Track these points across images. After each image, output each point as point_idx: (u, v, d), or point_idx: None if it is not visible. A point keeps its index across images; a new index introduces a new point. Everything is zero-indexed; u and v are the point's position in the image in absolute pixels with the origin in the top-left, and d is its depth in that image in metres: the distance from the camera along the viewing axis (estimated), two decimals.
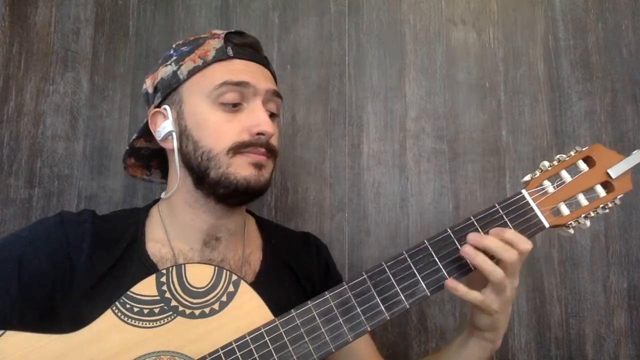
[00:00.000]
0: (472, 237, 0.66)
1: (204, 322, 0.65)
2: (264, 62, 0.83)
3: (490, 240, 0.66)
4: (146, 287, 0.66)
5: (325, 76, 1.19)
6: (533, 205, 0.70)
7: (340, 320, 0.65)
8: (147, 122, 0.82)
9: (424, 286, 0.66)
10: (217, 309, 0.66)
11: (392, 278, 0.66)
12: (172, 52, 0.82)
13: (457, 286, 0.66)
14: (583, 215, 0.70)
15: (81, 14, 1.22)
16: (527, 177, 0.72)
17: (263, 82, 0.79)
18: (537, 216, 0.69)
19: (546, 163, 0.72)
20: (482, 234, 0.67)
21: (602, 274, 1.09)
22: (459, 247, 0.68)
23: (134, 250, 0.76)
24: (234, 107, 0.77)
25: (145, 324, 0.65)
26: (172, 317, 0.65)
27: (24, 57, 1.20)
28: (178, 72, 0.78)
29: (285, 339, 0.63)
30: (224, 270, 0.68)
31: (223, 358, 0.62)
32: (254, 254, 0.84)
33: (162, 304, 0.65)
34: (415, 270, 0.67)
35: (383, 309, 0.65)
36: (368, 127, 1.17)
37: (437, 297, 1.08)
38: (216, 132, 0.75)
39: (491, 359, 0.76)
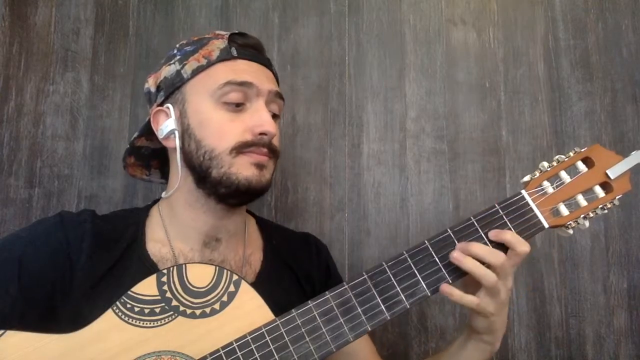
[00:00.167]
0: (459, 245, 0.67)
1: (204, 321, 0.65)
2: (267, 64, 0.84)
3: (476, 247, 0.66)
4: (147, 287, 0.66)
5: (325, 76, 1.19)
6: (532, 205, 0.70)
7: (341, 320, 0.65)
8: (148, 121, 0.82)
9: (424, 286, 0.67)
10: (218, 308, 0.66)
11: (392, 278, 0.66)
12: (175, 51, 0.82)
13: (452, 291, 0.66)
14: (582, 216, 0.70)
15: (81, 14, 1.22)
16: (527, 178, 0.72)
17: (266, 83, 0.79)
18: (537, 216, 0.70)
19: (545, 164, 0.72)
20: (467, 242, 0.68)
21: (602, 274, 1.09)
22: None
23: (134, 250, 0.76)
24: (237, 107, 0.77)
25: (146, 323, 0.65)
26: (173, 316, 0.65)
27: (24, 57, 1.20)
28: (182, 71, 0.79)
29: (286, 338, 0.63)
30: (225, 270, 0.68)
31: (224, 358, 0.62)
32: (254, 254, 0.85)
33: (163, 304, 0.65)
34: (415, 270, 0.67)
35: (383, 308, 0.65)
36: (368, 127, 1.17)
37: (437, 297, 1.08)
38: (219, 131, 0.76)
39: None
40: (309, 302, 0.66)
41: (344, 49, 1.20)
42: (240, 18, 1.21)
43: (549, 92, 1.15)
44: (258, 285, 0.74)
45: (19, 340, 0.62)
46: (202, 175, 0.76)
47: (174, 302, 0.66)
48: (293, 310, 0.65)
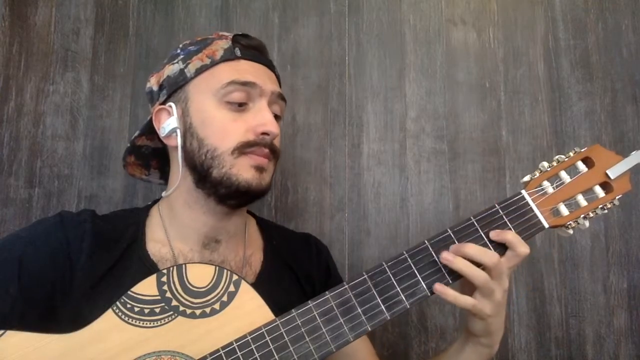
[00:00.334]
0: (453, 247, 0.67)
1: (204, 321, 0.65)
2: (270, 65, 0.84)
3: (469, 247, 0.66)
4: (147, 287, 0.66)
5: (325, 76, 1.19)
6: (532, 205, 0.70)
7: (341, 320, 0.65)
8: (150, 120, 0.82)
9: (424, 286, 0.67)
10: (218, 308, 0.66)
11: (392, 278, 0.66)
12: (179, 51, 0.82)
13: (445, 290, 0.66)
14: (582, 216, 0.70)
15: (81, 14, 1.22)
16: (527, 178, 0.72)
17: (269, 83, 0.79)
18: (537, 216, 0.70)
19: (545, 164, 0.72)
20: (461, 243, 0.68)
21: (602, 274, 1.09)
22: None
23: (134, 250, 0.76)
24: (240, 106, 0.77)
25: (146, 323, 0.64)
26: (173, 316, 0.65)
27: (24, 57, 1.20)
28: (185, 70, 0.79)
29: (286, 338, 0.63)
30: (225, 270, 0.68)
31: (224, 358, 0.62)
32: (254, 254, 0.85)
33: (163, 304, 0.65)
34: (415, 270, 0.67)
35: (383, 308, 0.65)
36: (368, 127, 1.17)
37: (437, 297, 1.07)
38: (222, 130, 0.76)
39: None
40: (309, 302, 0.65)
41: (344, 49, 1.20)
42: (240, 18, 1.21)
43: (549, 92, 1.15)
44: (258, 285, 0.74)
45: (18, 340, 0.62)
46: (202, 174, 0.76)
47: (174, 302, 0.66)
48: (293, 310, 0.65)
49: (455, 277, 0.67)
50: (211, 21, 1.21)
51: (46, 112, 1.18)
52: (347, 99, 1.18)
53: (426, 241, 0.68)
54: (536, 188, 0.71)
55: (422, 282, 0.67)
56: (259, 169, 0.76)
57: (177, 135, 0.78)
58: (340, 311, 0.65)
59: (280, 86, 0.85)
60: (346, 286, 0.66)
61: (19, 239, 0.73)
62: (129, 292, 0.65)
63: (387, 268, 0.67)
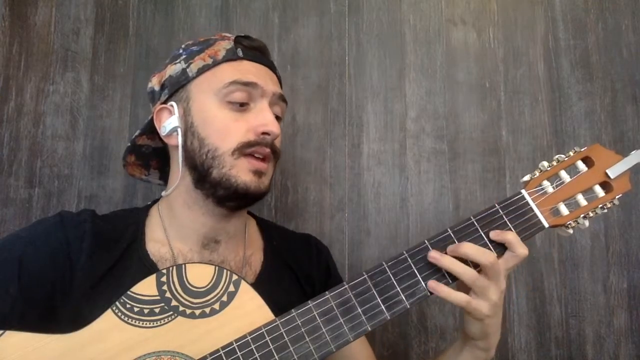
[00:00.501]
0: (449, 248, 0.67)
1: (204, 322, 0.65)
2: (272, 66, 0.84)
3: (465, 247, 0.66)
4: (146, 287, 0.66)
5: (325, 76, 1.19)
6: (532, 205, 0.70)
7: (341, 320, 0.64)
8: (151, 119, 0.83)
9: (424, 286, 0.67)
10: (218, 308, 0.66)
11: (392, 278, 0.66)
12: (181, 51, 0.82)
13: (438, 287, 0.66)
14: (582, 215, 0.70)
15: (81, 14, 1.22)
16: (527, 177, 0.72)
17: (270, 84, 0.80)
18: (537, 216, 0.70)
19: (545, 163, 0.72)
20: (457, 244, 0.68)
21: (602, 274, 1.09)
22: None
23: (134, 250, 0.76)
24: (242, 106, 0.77)
25: (146, 323, 0.64)
26: (173, 317, 0.65)
27: (24, 57, 1.20)
28: (187, 70, 0.79)
29: (286, 338, 0.63)
30: (225, 270, 0.68)
31: (224, 358, 0.62)
32: (254, 255, 0.84)
33: (163, 304, 0.65)
34: (415, 270, 0.67)
35: (383, 308, 0.65)
36: (368, 127, 1.17)
37: (437, 297, 1.07)
38: (223, 130, 0.76)
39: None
40: (309, 302, 0.65)
41: (344, 49, 1.20)
42: (240, 18, 1.21)
43: (549, 92, 1.15)
44: (258, 285, 0.74)
45: (18, 341, 0.62)
46: (202, 174, 0.76)
47: (174, 302, 0.65)
48: (293, 310, 0.65)
49: (455, 277, 0.67)
50: (211, 21, 1.22)
51: (46, 112, 1.18)
52: (347, 99, 1.18)
53: (426, 241, 0.68)
54: (536, 188, 0.71)
55: (422, 282, 0.67)
56: (258, 173, 0.76)
57: (177, 134, 0.78)
58: (340, 311, 0.65)
59: (281, 87, 0.86)
60: (346, 286, 0.66)
61: (19, 239, 0.73)
62: (128, 292, 0.65)
63: (387, 268, 0.67)
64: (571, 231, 0.71)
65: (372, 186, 1.15)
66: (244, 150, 0.75)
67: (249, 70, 0.79)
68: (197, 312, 0.66)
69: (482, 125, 1.15)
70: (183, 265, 0.68)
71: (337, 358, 0.68)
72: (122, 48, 1.21)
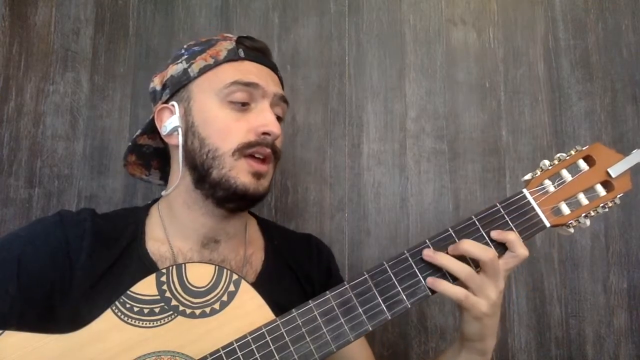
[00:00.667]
0: (450, 247, 0.67)
1: (204, 321, 0.65)
2: (273, 67, 0.85)
3: (465, 243, 0.66)
4: (146, 287, 0.66)
5: (325, 76, 1.19)
6: (534, 204, 0.70)
7: (342, 320, 0.64)
8: (152, 119, 0.83)
9: (425, 286, 0.66)
10: (218, 308, 0.66)
11: (393, 278, 0.66)
12: (183, 51, 0.82)
13: (436, 282, 0.66)
14: (583, 215, 0.70)
15: (81, 14, 1.22)
16: (528, 176, 0.72)
17: (272, 85, 0.80)
18: (538, 215, 0.69)
19: (547, 162, 0.72)
20: (458, 242, 0.68)
21: (602, 274, 1.09)
22: None
23: (134, 248, 0.76)
24: (243, 106, 0.77)
25: (146, 323, 0.64)
26: (173, 316, 0.65)
27: (24, 57, 1.20)
28: (189, 70, 0.79)
29: (287, 338, 0.63)
30: (225, 270, 0.68)
31: (224, 358, 0.62)
32: (255, 254, 0.84)
33: (163, 304, 0.65)
34: (416, 270, 0.67)
35: (384, 308, 0.65)
36: (368, 127, 1.17)
37: (437, 297, 1.08)
38: (224, 130, 0.76)
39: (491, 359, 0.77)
40: (310, 301, 0.65)
41: (344, 49, 1.20)
42: (240, 18, 1.21)
43: (549, 92, 1.15)
44: (259, 284, 0.74)
45: (18, 341, 0.62)
46: (202, 174, 0.76)
47: (174, 302, 0.65)
48: (293, 310, 0.65)
49: (456, 277, 0.67)
50: (211, 21, 1.21)
51: (46, 112, 1.18)
52: (347, 99, 1.18)
53: (427, 240, 0.68)
54: (537, 187, 0.71)
55: (423, 282, 0.67)
56: (257, 175, 0.76)
57: (178, 133, 0.78)
58: (341, 311, 0.65)
59: (283, 89, 0.86)
60: (347, 286, 0.66)
61: (18, 238, 0.73)
62: (128, 292, 0.65)
63: (388, 268, 0.67)
64: (572, 230, 0.71)
65: (372, 186, 1.15)
66: (245, 151, 0.75)
67: (250, 70, 0.79)
68: (197, 311, 0.65)
69: (482, 125, 1.15)
70: (183, 265, 0.67)
71: (336, 358, 0.68)
72: (122, 48, 1.21)
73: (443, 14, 1.20)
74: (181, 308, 0.65)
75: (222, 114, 0.77)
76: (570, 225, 0.70)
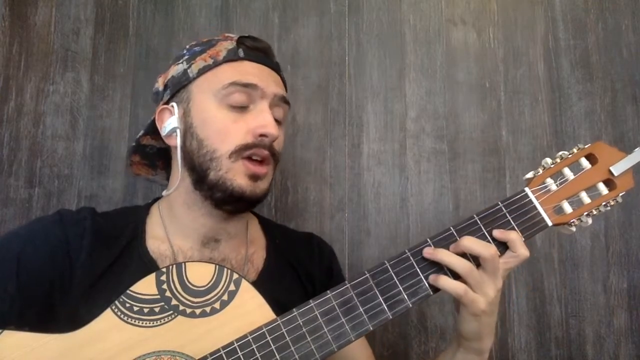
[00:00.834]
0: (451, 247, 0.67)
1: (204, 321, 0.65)
2: (275, 68, 0.83)
3: (465, 240, 0.66)
4: (146, 286, 0.65)
5: (325, 76, 1.19)
6: (536, 203, 0.69)
7: (343, 319, 0.64)
8: (154, 119, 0.83)
9: (427, 285, 0.66)
10: (218, 308, 0.66)
11: (394, 277, 0.66)
12: (184, 52, 0.82)
13: (436, 278, 0.66)
14: (585, 213, 0.70)
15: (81, 14, 1.22)
16: (530, 175, 0.72)
17: (272, 86, 0.79)
18: (540, 214, 0.69)
19: (549, 160, 0.71)
20: (459, 239, 0.67)
21: (602, 274, 1.09)
22: None
23: (134, 247, 0.76)
24: (241, 108, 0.77)
25: (146, 323, 0.64)
26: (173, 316, 0.65)
27: (24, 57, 1.19)
28: (188, 70, 0.79)
29: (287, 338, 0.63)
30: (225, 269, 0.67)
31: (225, 358, 0.62)
32: (257, 252, 0.84)
33: (163, 303, 0.65)
34: (418, 269, 0.67)
35: (385, 308, 0.65)
36: (368, 127, 1.17)
37: (437, 297, 1.08)
38: (222, 131, 0.75)
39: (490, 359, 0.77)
40: (311, 301, 0.65)
41: (344, 49, 1.19)
42: (240, 18, 1.21)
43: (549, 92, 1.16)
44: (260, 282, 0.74)
45: (17, 340, 0.62)
46: (200, 175, 0.76)
47: (174, 302, 0.65)
48: (294, 309, 0.65)
49: (457, 276, 0.67)
50: (211, 21, 1.21)
51: (46, 112, 1.18)
52: (347, 99, 1.18)
53: (428, 239, 0.68)
54: (539, 185, 0.70)
55: (425, 281, 0.66)
56: (254, 178, 0.75)
57: (177, 135, 0.78)
58: (342, 311, 0.65)
59: (286, 90, 0.85)
60: (348, 285, 0.66)
61: (18, 237, 0.72)
62: (128, 292, 0.65)
63: (389, 267, 0.67)
64: (574, 229, 0.70)
65: (372, 186, 1.15)
66: (242, 152, 0.75)
67: (249, 71, 0.78)
68: (198, 311, 0.65)
69: (482, 125, 1.15)
70: (183, 264, 0.67)
71: (337, 358, 0.68)
72: (122, 48, 1.21)
73: (443, 14, 1.20)
74: (181, 307, 0.65)
75: (220, 115, 0.76)
76: (572, 224, 0.70)
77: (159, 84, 0.84)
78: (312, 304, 0.65)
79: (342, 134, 1.16)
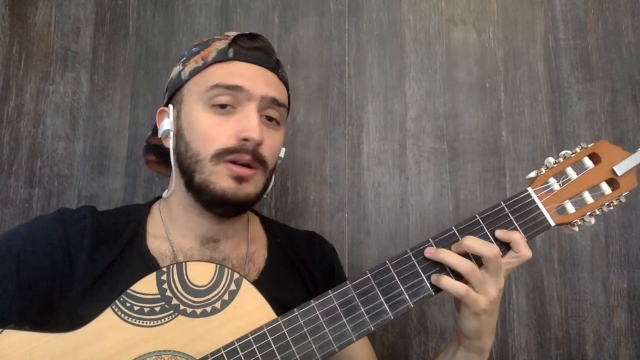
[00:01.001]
0: (453, 247, 0.67)
1: (205, 321, 0.65)
2: (273, 67, 0.80)
3: (468, 240, 0.66)
4: (147, 285, 0.65)
5: (325, 76, 1.19)
6: (539, 203, 0.69)
7: (344, 319, 0.64)
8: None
9: (428, 285, 0.66)
10: (219, 307, 0.65)
11: (396, 277, 0.66)
12: (185, 52, 0.82)
13: (438, 278, 0.65)
14: (588, 213, 0.70)
15: (81, 14, 1.22)
16: (532, 174, 0.71)
17: (261, 87, 0.76)
18: (543, 214, 0.69)
19: (552, 159, 0.71)
20: (461, 239, 0.67)
21: (602, 274, 1.09)
22: None
23: (135, 245, 0.76)
24: (227, 110, 0.75)
25: (146, 322, 0.64)
26: (173, 315, 0.65)
27: (24, 57, 1.19)
28: (182, 73, 0.79)
29: (288, 338, 0.63)
30: (226, 269, 0.67)
31: (225, 358, 0.62)
32: (258, 251, 0.84)
33: (163, 303, 0.65)
34: (419, 269, 0.67)
35: (387, 308, 0.65)
36: (368, 127, 1.17)
37: (437, 297, 1.08)
38: (206, 134, 0.74)
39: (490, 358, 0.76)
40: (312, 301, 0.65)
41: (344, 49, 1.19)
42: (240, 18, 1.21)
43: (549, 92, 1.16)
44: (261, 281, 0.74)
45: (17, 339, 0.61)
46: (189, 178, 0.76)
47: (174, 301, 0.65)
48: (295, 309, 0.64)
49: (459, 276, 0.67)
50: (211, 21, 1.21)
51: (46, 112, 1.18)
52: (347, 99, 1.18)
53: (430, 239, 0.68)
54: (542, 185, 0.70)
55: (426, 281, 0.66)
56: (237, 179, 0.73)
57: (170, 137, 0.78)
58: (343, 311, 0.64)
59: (288, 89, 0.83)
60: (349, 285, 0.66)
61: (18, 235, 0.72)
62: (128, 291, 0.65)
63: (390, 267, 0.66)
64: (577, 229, 0.70)
65: (372, 186, 1.15)
66: (224, 157, 0.73)
67: (238, 72, 0.76)
68: (198, 310, 0.65)
69: (482, 125, 1.15)
70: (184, 264, 0.67)
71: (338, 358, 0.68)
72: (122, 48, 1.21)
73: (443, 14, 1.20)
74: (182, 307, 0.65)
75: (205, 118, 0.75)
76: (575, 224, 0.70)
77: (166, 85, 0.84)
78: (314, 304, 0.65)
79: (342, 134, 1.16)
